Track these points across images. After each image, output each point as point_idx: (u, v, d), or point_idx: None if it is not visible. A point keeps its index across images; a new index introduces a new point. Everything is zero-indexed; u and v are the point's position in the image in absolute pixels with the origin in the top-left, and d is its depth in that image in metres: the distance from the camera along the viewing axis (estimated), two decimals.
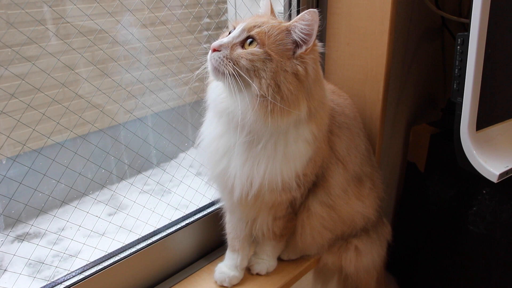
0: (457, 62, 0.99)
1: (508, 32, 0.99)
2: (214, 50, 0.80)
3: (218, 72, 0.80)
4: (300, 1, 1.24)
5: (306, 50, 0.80)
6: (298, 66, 0.80)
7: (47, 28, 1.00)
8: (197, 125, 0.99)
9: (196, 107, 0.95)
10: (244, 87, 0.79)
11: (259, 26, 0.81)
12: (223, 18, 1.36)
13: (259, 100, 0.79)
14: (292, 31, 0.80)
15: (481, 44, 0.90)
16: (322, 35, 1.30)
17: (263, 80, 0.78)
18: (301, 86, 0.81)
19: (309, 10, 0.78)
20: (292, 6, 1.25)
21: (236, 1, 1.44)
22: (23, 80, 0.96)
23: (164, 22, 1.18)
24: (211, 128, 0.93)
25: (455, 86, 1.00)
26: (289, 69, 0.80)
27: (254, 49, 0.79)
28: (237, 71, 0.78)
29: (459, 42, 0.98)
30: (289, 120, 0.82)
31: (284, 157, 0.87)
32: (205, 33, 1.13)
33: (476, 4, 0.88)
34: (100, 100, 1.34)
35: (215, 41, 0.83)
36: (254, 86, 0.78)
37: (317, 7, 1.28)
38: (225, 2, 1.48)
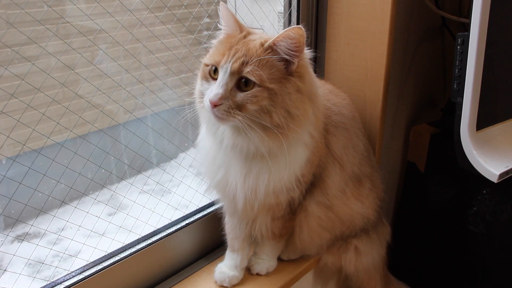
0: (457, 62, 0.99)
1: (508, 32, 0.99)
2: (215, 105, 0.75)
3: (225, 121, 0.78)
4: (300, 1, 1.24)
5: (298, 64, 0.79)
6: (298, 82, 0.79)
7: (47, 28, 1.00)
8: (197, 125, 0.99)
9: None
10: (254, 125, 0.78)
11: (247, 63, 0.76)
12: None
13: (272, 130, 0.78)
14: (279, 51, 0.77)
15: (481, 44, 0.90)
16: (322, 35, 1.31)
17: (273, 114, 0.78)
18: (305, 97, 0.81)
19: (293, 27, 0.75)
20: (292, 6, 1.25)
21: (236, 1, 1.44)
22: (23, 80, 0.96)
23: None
24: (208, 142, 0.93)
25: (455, 86, 1.00)
26: (291, 89, 0.79)
27: (254, 89, 0.76)
28: (247, 116, 0.77)
29: (459, 42, 0.98)
30: (303, 131, 0.83)
31: (285, 164, 0.87)
32: (205, 33, 1.13)
33: (476, 4, 0.88)
34: (100, 100, 1.34)
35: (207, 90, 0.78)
36: (265, 123, 0.78)
37: (317, 7, 1.28)
38: (225, 2, 1.48)
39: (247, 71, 0.76)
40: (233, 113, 0.76)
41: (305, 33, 0.76)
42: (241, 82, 0.77)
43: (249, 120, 0.77)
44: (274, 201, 0.93)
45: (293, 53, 0.77)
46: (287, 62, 0.79)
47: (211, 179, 0.95)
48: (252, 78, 0.75)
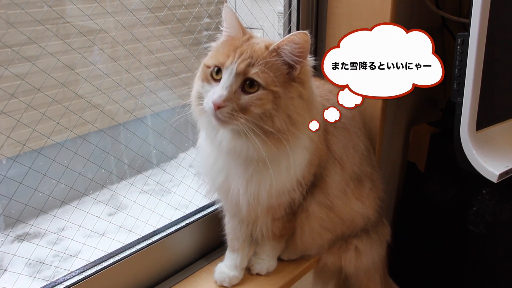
0: (457, 62, 0.99)
1: (508, 32, 0.99)
2: (219, 108, 0.74)
3: (227, 124, 0.76)
4: (300, 1, 1.24)
5: (301, 70, 0.79)
6: (300, 88, 0.79)
7: (47, 28, 1.00)
8: (196, 125, 0.99)
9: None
10: (255, 128, 0.77)
11: (253, 64, 0.75)
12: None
13: (273, 134, 0.78)
14: (283, 54, 0.77)
15: (481, 44, 0.90)
16: (322, 35, 1.30)
17: (275, 119, 0.77)
18: (306, 103, 0.81)
19: (299, 32, 0.74)
20: (292, 6, 1.25)
21: (236, 1, 1.44)
22: (23, 80, 0.96)
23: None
24: (207, 147, 0.93)
25: (455, 86, 1.00)
26: (294, 94, 0.78)
27: (259, 92, 0.75)
28: (249, 120, 0.76)
29: (459, 42, 0.98)
30: (303, 135, 0.83)
31: (286, 168, 0.87)
32: (205, 33, 1.13)
33: (476, 4, 0.88)
34: (100, 100, 1.34)
35: (212, 91, 0.76)
36: (267, 127, 0.77)
37: (317, 7, 1.28)
38: (225, 2, 1.48)
39: (254, 72, 0.75)
40: (236, 116, 0.75)
41: (310, 39, 0.75)
42: (246, 84, 0.76)
43: (251, 123, 0.76)
44: (275, 203, 0.93)
45: (297, 58, 0.77)
46: (290, 67, 0.78)
47: (212, 183, 0.96)
48: (259, 80, 0.75)
